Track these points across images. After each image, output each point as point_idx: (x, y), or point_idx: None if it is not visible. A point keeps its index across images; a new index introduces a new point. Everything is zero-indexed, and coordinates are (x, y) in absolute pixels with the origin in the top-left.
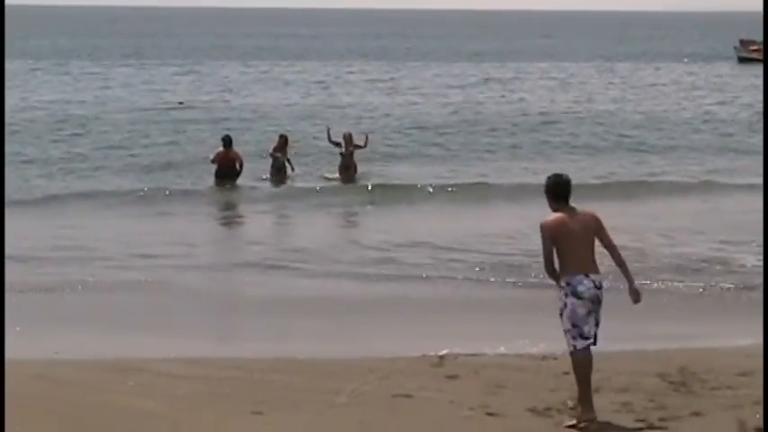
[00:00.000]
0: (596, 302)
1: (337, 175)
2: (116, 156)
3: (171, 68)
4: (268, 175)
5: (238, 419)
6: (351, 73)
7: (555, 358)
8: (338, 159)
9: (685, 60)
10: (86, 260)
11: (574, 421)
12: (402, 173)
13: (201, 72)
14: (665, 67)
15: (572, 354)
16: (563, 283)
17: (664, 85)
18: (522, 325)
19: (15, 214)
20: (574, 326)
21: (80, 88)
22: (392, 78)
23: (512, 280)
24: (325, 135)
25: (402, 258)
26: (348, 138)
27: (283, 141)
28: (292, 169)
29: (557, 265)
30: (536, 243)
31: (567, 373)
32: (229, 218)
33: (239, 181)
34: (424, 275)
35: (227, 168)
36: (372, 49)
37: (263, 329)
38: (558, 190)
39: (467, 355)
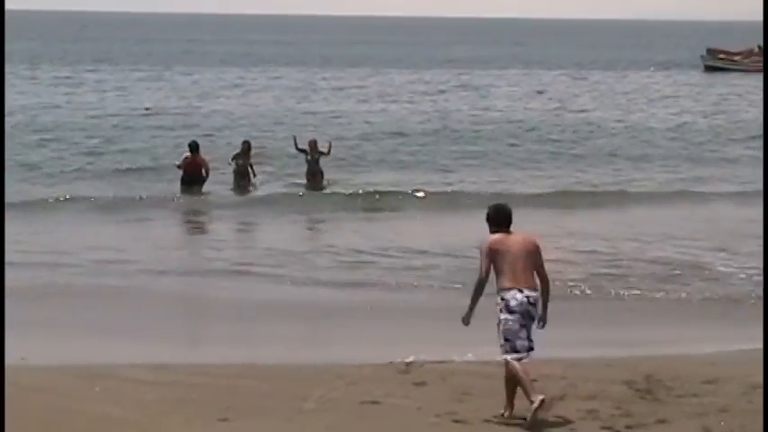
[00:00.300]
0: (527, 317)
1: (305, 181)
2: (87, 161)
3: (141, 74)
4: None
5: (205, 426)
6: (324, 79)
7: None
8: (305, 166)
9: (652, 69)
10: (56, 265)
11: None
12: (375, 180)
13: (171, 78)
14: (634, 75)
15: (506, 364)
16: (498, 299)
17: (627, 93)
18: (489, 332)
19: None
20: (507, 340)
21: (51, 93)
22: (363, 87)
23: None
24: (292, 142)
25: (373, 265)
26: (313, 144)
27: (246, 147)
28: (254, 175)
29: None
30: None
31: (533, 381)
32: (199, 224)
33: (206, 187)
34: (394, 282)
35: (194, 174)
36: (348, 55)
37: (232, 335)
38: (500, 218)
39: (434, 362)
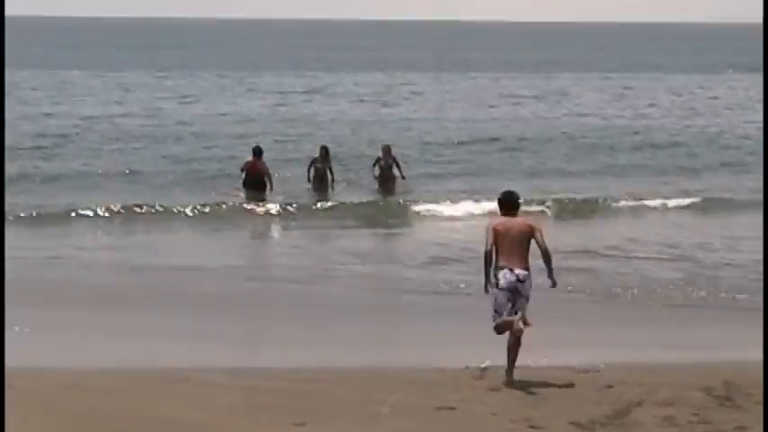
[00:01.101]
0: (515, 292)
1: (377, 186)
2: (177, 169)
3: (226, 80)
4: (309, 185)
5: (280, 430)
6: (404, 85)
7: (597, 371)
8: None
9: (731, 71)
10: (132, 270)
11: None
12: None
13: (251, 83)
14: (716, 79)
15: (494, 327)
16: (493, 276)
17: (716, 98)
18: (563, 337)
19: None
20: (495, 311)
21: (128, 100)
22: (449, 91)
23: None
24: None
25: (445, 269)
26: (386, 150)
27: (324, 152)
28: (333, 179)
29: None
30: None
31: (610, 387)
32: (273, 230)
33: (281, 189)
34: (466, 286)
35: (255, 177)
36: (402, 59)
37: (306, 339)
38: (507, 203)
39: None
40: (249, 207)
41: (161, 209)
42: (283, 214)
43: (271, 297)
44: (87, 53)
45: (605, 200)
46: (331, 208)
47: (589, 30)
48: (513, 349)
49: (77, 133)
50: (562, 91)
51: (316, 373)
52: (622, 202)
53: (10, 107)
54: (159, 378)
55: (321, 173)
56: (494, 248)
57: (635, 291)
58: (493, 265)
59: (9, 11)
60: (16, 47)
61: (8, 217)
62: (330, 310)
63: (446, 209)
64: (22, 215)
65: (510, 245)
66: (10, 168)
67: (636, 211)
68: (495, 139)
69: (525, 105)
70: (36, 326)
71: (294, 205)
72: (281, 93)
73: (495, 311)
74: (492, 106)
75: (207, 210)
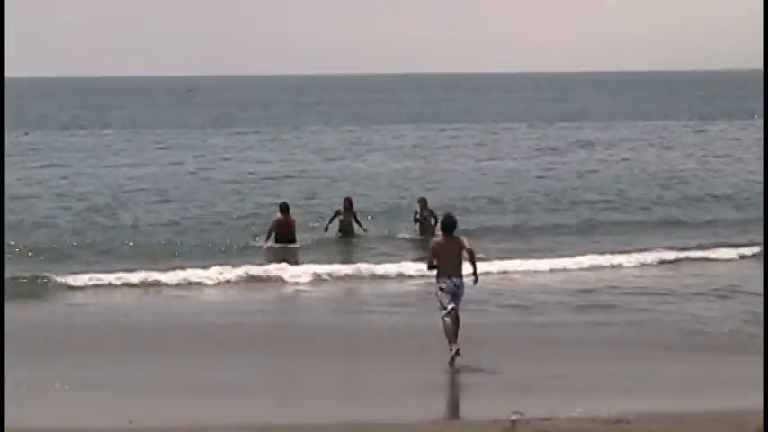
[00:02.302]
0: (454, 294)
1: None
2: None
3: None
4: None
5: None
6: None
7: (628, 422)
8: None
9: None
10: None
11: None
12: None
13: (290, 140)
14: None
15: (442, 319)
16: (437, 282)
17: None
18: (596, 384)
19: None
20: (440, 303)
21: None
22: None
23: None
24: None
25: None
26: (423, 202)
27: (348, 204)
28: (364, 229)
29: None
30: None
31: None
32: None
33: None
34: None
35: (287, 233)
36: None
37: (333, 391)
38: (446, 225)
39: (539, 419)
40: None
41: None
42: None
43: (293, 348)
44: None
45: None
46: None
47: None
48: (454, 329)
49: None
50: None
51: (342, 428)
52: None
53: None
54: None
55: (346, 224)
56: (435, 261)
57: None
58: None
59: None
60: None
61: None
62: (357, 360)
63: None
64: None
65: (446, 259)
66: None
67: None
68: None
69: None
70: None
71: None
72: (322, 149)
73: (440, 303)
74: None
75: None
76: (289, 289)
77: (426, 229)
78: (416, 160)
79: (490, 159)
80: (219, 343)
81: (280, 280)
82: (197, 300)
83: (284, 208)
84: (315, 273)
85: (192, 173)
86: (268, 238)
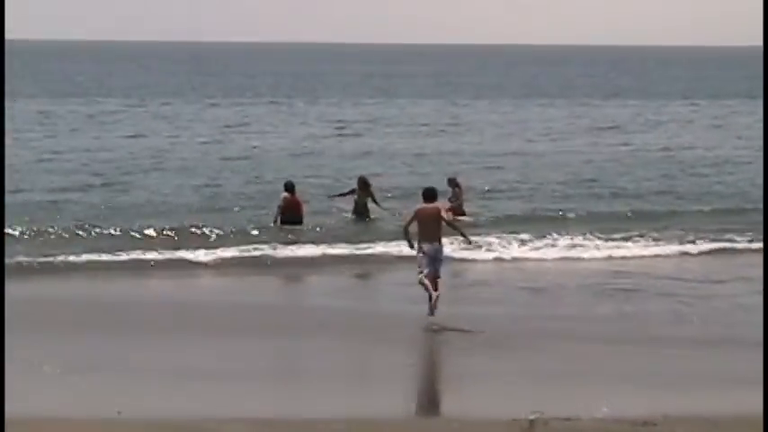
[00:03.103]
0: (434, 258)
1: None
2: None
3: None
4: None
5: None
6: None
7: (655, 424)
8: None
9: None
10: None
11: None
12: None
13: (302, 111)
14: None
15: (420, 281)
16: (417, 247)
17: None
18: (620, 386)
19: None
20: (420, 266)
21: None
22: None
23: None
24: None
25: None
26: (454, 181)
27: (362, 183)
28: (384, 208)
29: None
30: None
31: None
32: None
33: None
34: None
35: (295, 213)
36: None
37: (340, 388)
38: (426, 195)
39: (560, 419)
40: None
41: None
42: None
43: (293, 346)
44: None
45: None
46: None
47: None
48: (434, 287)
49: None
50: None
51: (350, 424)
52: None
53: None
54: (181, 429)
55: (360, 206)
56: (414, 225)
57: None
58: (417, 239)
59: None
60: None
61: None
62: (371, 361)
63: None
64: None
65: (426, 225)
66: None
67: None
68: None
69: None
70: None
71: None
72: (339, 122)
73: (420, 266)
74: None
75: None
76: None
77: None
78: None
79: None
80: (210, 325)
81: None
82: (191, 281)
83: (290, 187)
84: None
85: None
86: (276, 219)
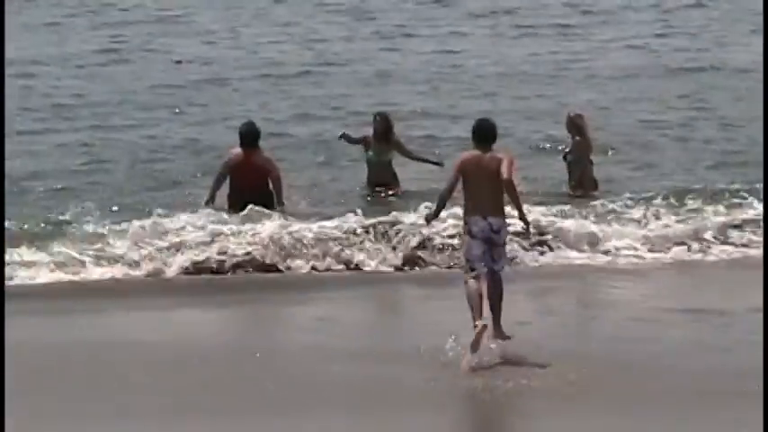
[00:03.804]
0: (490, 243)
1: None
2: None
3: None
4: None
5: None
6: None
7: None
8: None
9: None
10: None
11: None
12: None
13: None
14: None
15: (465, 283)
16: (463, 222)
17: None
18: None
19: None
20: (467, 260)
21: None
22: None
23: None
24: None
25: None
26: (576, 125)
27: (384, 126)
28: (435, 161)
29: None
30: None
31: None
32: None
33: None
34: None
35: (249, 185)
36: None
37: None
38: (480, 134)
39: None
40: None
41: None
42: None
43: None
44: None
45: None
46: None
47: None
48: (479, 300)
49: None
50: None
51: None
52: None
53: None
54: None
55: (377, 165)
56: (454, 189)
57: None
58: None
59: None
60: None
61: None
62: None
63: None
64: None
65: (478, 188)
66: None
67: None
68: None
69: None
70: None
71: None
72: None
73: (467, 260)
74: None
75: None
76: None
77: (583, 182)
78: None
79: None
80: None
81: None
82: None
83: (247, 137)
84: None
85: None
86: (212, 196)
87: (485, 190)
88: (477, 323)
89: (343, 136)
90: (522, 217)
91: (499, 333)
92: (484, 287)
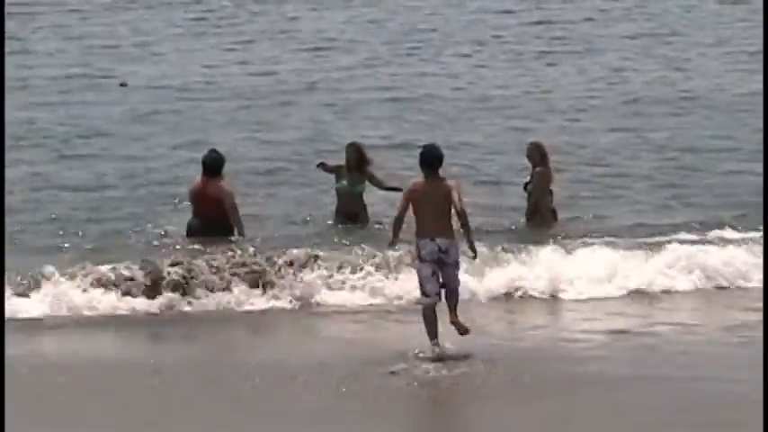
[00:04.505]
0: (440, 263)
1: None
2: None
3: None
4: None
5: None
6: None
7: None
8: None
9: None
10: None
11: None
12: None
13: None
14: None
15: (422, 311)
16: (415, 246)
17: None
18: None
19: None
20: (420, 284)
21: None
22: None
23: None
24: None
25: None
26: (536, 151)
27: (357, 156)
28: (386, 188)
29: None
30: None
31: None
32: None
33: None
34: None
35: (207, 213)
36: None
37: None
38: (425, 160)
39: None
40: None
41: None
42: None
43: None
44: None
45: None
46: None
47: None
48: (435, 323)
49: None
50: None
51: None
52: None
53: None
54: None
55: (348, 195)
56: (405, 212)
57: None
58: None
59: None
60: None
61: None
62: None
63: None
64: None
65: (425, 212)
66: None
67: None
68: None
69: None
70: None
71: None
72: None
73: (420, 284)
74: None
75: None
76: None
77: (541, 211)
78: None
79: None
80: None
81: None
82: None
83: (210, 165)
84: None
85: None
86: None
87: (432, 213)
88: (433, 343)
89: (321, 165)
90: (470, 246)
91: (457, 324)
92: (436, 308)
